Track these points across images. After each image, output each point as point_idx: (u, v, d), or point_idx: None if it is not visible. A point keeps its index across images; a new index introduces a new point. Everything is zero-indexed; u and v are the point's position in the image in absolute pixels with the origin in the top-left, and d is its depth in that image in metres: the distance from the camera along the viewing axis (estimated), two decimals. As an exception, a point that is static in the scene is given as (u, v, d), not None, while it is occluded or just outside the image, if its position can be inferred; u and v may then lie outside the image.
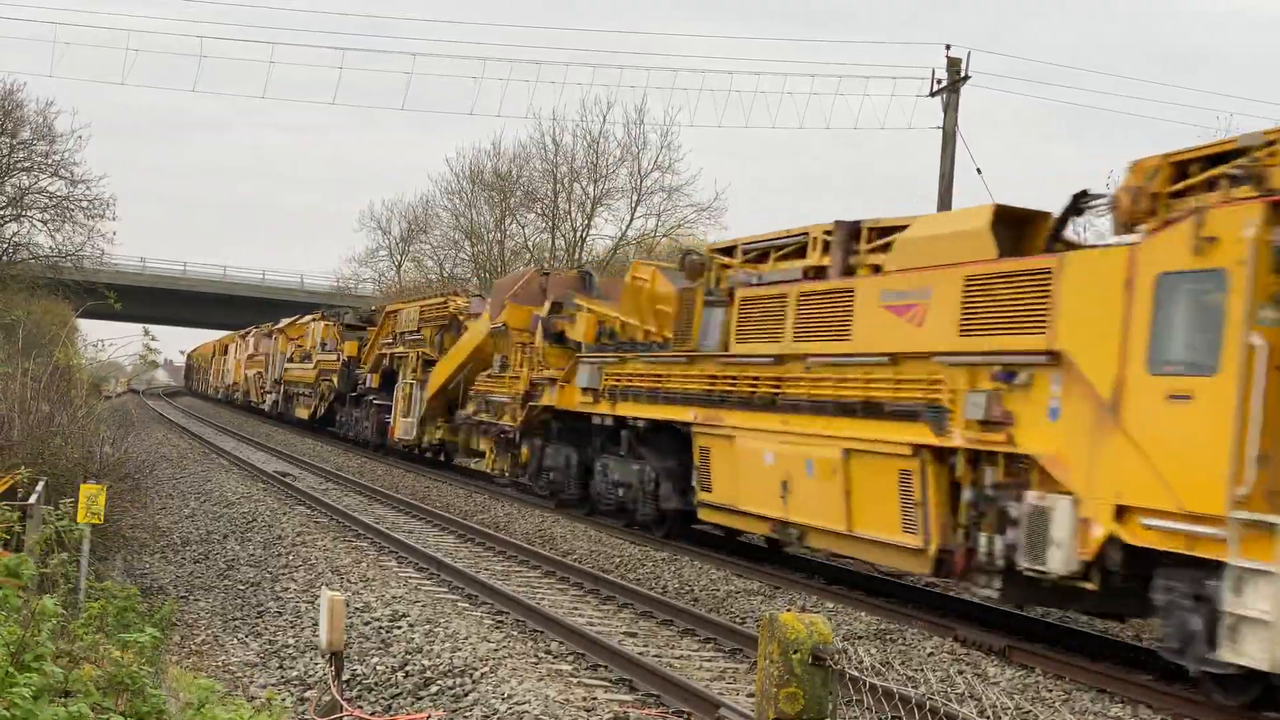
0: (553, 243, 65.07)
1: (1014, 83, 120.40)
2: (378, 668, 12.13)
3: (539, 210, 66.31)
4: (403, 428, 37.87)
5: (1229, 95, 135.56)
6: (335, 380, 46.93)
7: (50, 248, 57.04)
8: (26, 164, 57.16)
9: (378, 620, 13.97)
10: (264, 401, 62.57)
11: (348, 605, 11.63)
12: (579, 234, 64.55)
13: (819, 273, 17.84)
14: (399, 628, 13.62)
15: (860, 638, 14.35)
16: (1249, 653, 10.69)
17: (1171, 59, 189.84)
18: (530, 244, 67.04)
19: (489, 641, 12.92)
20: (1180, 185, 12.28)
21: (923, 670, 12.79)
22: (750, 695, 11.07)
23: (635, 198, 63.55)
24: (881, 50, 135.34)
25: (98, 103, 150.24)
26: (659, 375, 21.25)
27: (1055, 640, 14.64)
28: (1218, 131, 42.96)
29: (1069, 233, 14.78)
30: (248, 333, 71.81)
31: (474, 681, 11.28)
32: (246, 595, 16.75)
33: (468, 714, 10.48)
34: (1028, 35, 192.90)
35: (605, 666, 12.30)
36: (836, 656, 5.96)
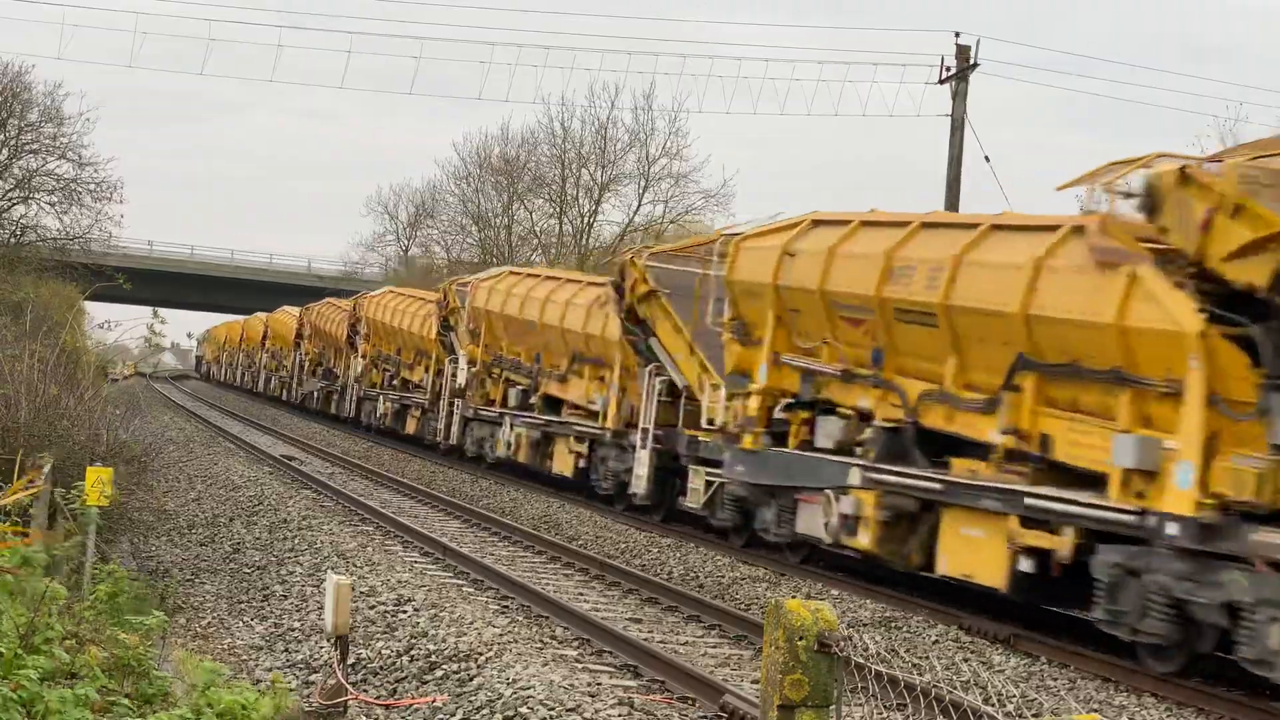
0: (560, 228, 65.07)
1: (1037, 73, 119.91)
2: (383, 652, 12.15)
3: (546, 196, 66.27)
4: None
5: (1244, 85, 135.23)
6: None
7: (58, 230, 56.92)
8: (34, 146, 57.00)
9: (383, 604, 13.99)
10: None
11: (353, 589, 11.64)
12: (586, 220, 64.54)
13: None
14: (404, 612, 13.63)
15: (865, 625, 14.36)
16: None
17: (1191, 51, 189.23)
18: (538, 230, 67.06)
19: (494, 626, 12.93)
20: None
21: (928, 658, 12.79)
22: (755, 682, 11.08)
23: (643, 184, 63.50)
24: (909, 38, 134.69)
25: (113, 89, 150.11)
26: None
27: (1060, 629, 14.64)
28: (1228, 121, 42.76)
29: None
30: None
31: (479, 666, 11.29)
32: (252, 578, 16.77)
33: (473, 698, 10.48)
34: (1054, 27, 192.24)
35: (610, 652, 12.32)
36: (842, 643, 5.97)
